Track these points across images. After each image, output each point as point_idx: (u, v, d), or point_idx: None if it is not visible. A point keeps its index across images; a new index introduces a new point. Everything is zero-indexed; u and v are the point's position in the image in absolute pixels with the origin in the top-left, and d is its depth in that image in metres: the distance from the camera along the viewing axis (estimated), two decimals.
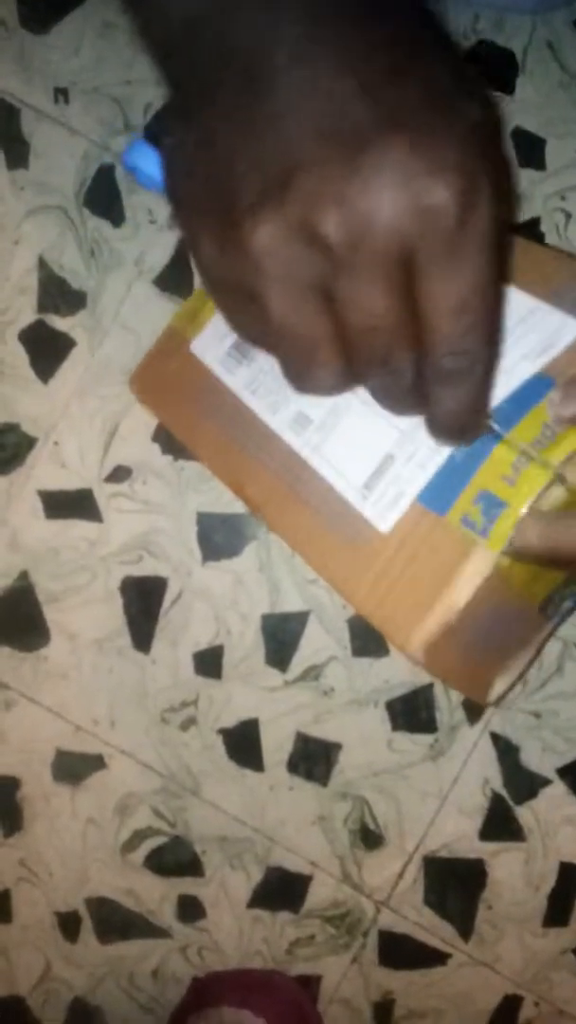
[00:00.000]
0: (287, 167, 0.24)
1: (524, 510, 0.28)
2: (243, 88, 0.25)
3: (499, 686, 0.33)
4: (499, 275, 0.26)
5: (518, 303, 0.31)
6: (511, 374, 0.30)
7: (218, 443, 0.37)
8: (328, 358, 0.27)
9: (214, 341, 0.38)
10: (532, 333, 0.30)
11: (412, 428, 0.31)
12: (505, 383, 0.30)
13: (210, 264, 0.26)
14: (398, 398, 0.28)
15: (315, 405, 0.34)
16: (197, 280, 0.37)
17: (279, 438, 0.35)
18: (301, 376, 0.28)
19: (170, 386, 0.39)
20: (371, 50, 0.24)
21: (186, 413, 0.38)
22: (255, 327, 0.28)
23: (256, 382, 0.36)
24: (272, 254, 0.24)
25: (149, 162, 0.32)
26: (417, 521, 0.30)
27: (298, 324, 0.26)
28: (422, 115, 0.24)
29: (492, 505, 0.29)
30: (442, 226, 0.24)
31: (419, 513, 0.30)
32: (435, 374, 0.27)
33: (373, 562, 0.31)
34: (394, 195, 0.23)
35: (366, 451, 0.32)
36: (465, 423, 0.28)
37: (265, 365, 0.36)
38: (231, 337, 0.37)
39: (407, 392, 0.28)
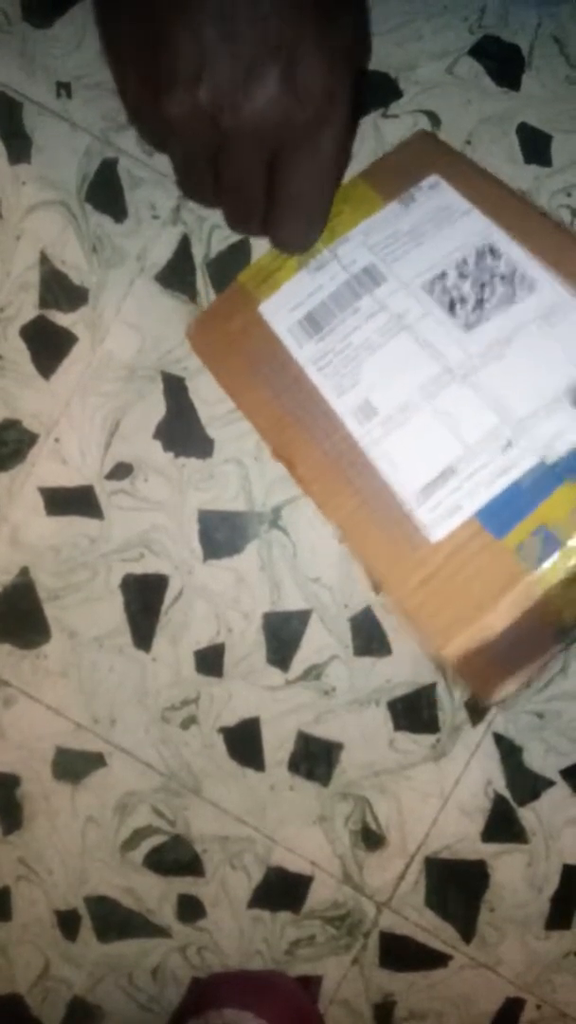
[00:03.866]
0: (201, 63, 0.32)
1: None
2: None
3: (507, 689, 0.33)
4: (336, 171, 0.37)
5: None
6: None
7: (272, 411, 0.36)
8: (206, 188, 0.37)
9: (286, 308, 0.38)
10: None
11: (479, 447, 0.31)
12: None
13: (124, 91, 0.35)
14: (249, 228, 0.39)
15: (385, 398, 0.34)
16: (265, 244, 0.40)
17: (340, 421, 0.34)
18: (185, 188, 0.38)
19: (230, 343, 0.39)
20: None
21: (242, 374, 0.38)
22: (157, 141, 0.37)
23: (325, 360, 0.36)
24: (180, 121, 0.33)
25: None
26: (470, 537, 0.30)
27: (191, 164, 0.36)
28: (307, 42, 0.32)
29: (550, 541, 0.29)
30: (300, 139, 0.34)
31: (474, 530, 0.30)
32: (275, 224, 0.38)
33: (418, 566, 0.31)
34: (271, 112, 0.32)
35: (428, 458, 0.32)
36: (294, 248, 0.39)
37: (338, 345, 0.36)
38: (305, 307, 0.37)
39: (258, 227, 0.38)
